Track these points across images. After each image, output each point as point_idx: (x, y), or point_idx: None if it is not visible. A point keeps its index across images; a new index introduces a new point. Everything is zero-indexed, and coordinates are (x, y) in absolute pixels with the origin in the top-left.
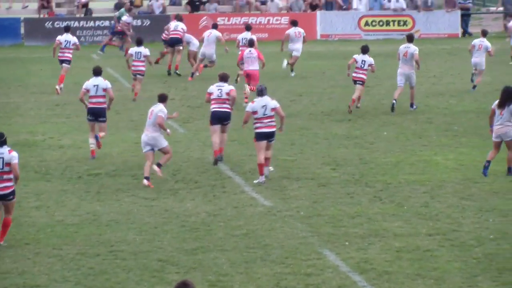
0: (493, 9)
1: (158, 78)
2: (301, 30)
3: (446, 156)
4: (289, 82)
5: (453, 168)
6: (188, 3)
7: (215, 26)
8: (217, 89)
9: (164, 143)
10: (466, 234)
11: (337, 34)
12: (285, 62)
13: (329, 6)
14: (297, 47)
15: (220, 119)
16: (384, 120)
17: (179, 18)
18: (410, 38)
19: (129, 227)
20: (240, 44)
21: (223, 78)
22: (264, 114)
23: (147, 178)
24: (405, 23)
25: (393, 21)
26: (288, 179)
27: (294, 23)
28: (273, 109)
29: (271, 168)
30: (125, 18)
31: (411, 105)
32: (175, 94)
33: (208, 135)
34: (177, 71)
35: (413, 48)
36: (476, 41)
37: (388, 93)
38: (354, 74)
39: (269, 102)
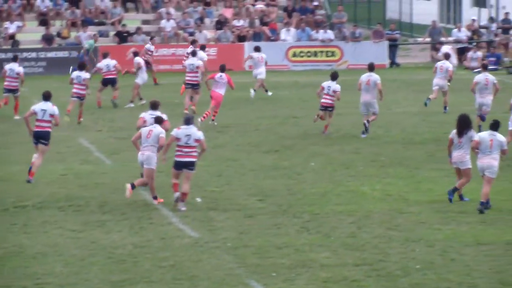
0: (420, 39)
1: (86, 109)
2: (264, 56)
3: (373, 186)
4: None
5: (379, 198)
6: (116, 35)
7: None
8: (150, 117)
9: (152, 165)
10: (392, 265)
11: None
12: (252, 92)
13: (257, 37)
14: (260, 71)
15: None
16: (311, 151)
17: (105, 55)
18: (371, 67)
19: (56, 259)
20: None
21: (154, 106)
22: (186, 143)
23: (155, 197)
24: (333, 54)
25: (321, 52)
26: (215, 210)
27: (257, 49)
28: (197, 140)
29: (198, 199)
30: (148, 46)
31: (366, 128)
32: (102, 126)
33: (136, 166)
34: (115, 101)
35: (375, 76)
36: (438, 63)
37: (316, 124)
38: (323, 100)
39: (194, 132)
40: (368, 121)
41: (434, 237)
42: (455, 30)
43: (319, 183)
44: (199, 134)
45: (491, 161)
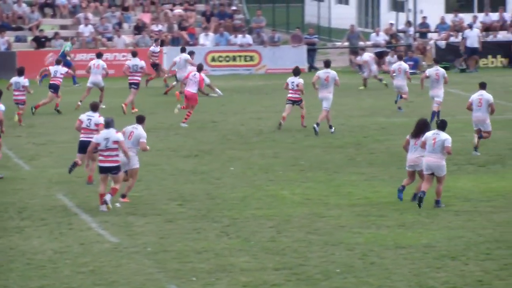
0: (339, 44)
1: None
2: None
3: (292, 190)
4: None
5: (299, 202)
6: (33, 40)
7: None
8: (86, 118)
9: (135, 165)
10: (312, 268)
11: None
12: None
13: (175, 42)
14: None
15: (85, 148)
16: (230, 155)
17: (58, 62)
18: (327, 64)
19: None
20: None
21: (94, 108)
22: (106, 147)
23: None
24: (251, 58)
25: (240, 56)
26: (135, 215)
27: (183, 50)
28: (115, 142)
29: (117, 204)
30: (152, 48)
31: (317, 124)
32: (21, 132)
33: (55, 172)
34: (57, 108)
35: (333, 73)
36: (396, 65)
37: (234, 128)
38: (289, 95)
39: (112, 135)
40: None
41: (354, 240)
42: (373, 35)
43: (238, 188)
44: (118, 136)
45: (437, 160)
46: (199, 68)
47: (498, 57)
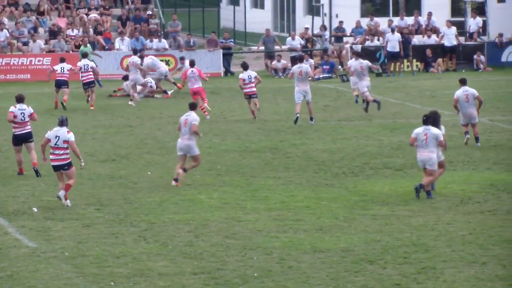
0: (254, 48)
1: None
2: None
3: (210, 195)
4: (52, 122)
5: (217, 206)
6: None
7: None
8: (19, 112)
9: (196, 151)
10: (230, 273)
11: (100, 74)
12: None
13: (92, 47)
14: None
15: (22, 140)
16: (148, 160)
17: (63, 59)
18: (300, 59)
19: None
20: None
21: (21, 100)
22: (56, 145)
23: (175, 179)
24: (167, 62)
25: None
26: (52, 220)
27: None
28: (65, 142)
29: (34, 209)
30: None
31: (311, 119)
32: None
33: None
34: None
35: (305, 66)
36: (356, 63)
37: (151, 132)
38: (246, 90)
39: (64, 133)
40: (299, 114)
41: (271, 244)
42: (289, 39)
43: (155, 192)
44: (69, 136)
45: (429, 154)
46: (192, 64)
47: (414, 61)
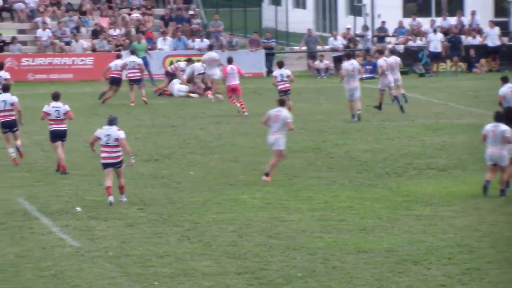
0: (296, 48)
1: None
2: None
3: (253, 195)
4: (95, 121)
5: (260, 207)
6: None
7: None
8: (54, 110)
9: (282, 146)
10: (274, 273)
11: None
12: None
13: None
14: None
15: (58, 136)
16: (190, 160)
17: (119, 56)
18: (348, 56)
19: None
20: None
21: (56, 98)
22: (107, 143)
23: (266, 174)
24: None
25: (198, 60)
26: (96, 219)
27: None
28: (116, 140)
29: (78, 209)
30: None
31: (353, 116)
32: None
33: (14, 176)
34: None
35: (357, 63)
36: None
37: (193, 132)
38: (280, 87)
39: (113, 132)
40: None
41: (315, 245)
42: (331, 39)
43: (199, 192)
44: (119, 133)
45: (499, 151)
46: (230, 61)
47: (448, 61)
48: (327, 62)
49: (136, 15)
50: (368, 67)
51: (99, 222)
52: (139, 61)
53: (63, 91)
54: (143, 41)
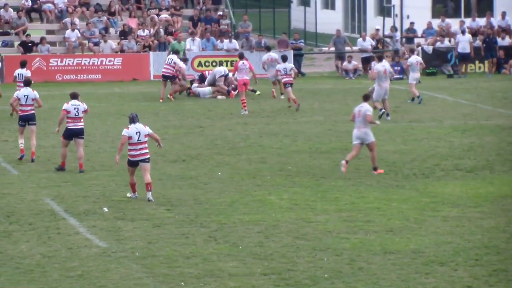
0: (325, 49)
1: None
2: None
3: (280, 195)
4: (123, 122)
5: (287, 207)
6: (20, 45)
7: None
8: (73, 108)
9: (372, 138)
10: (300, 274)
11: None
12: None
13: (162, 47)
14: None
15: (73, 135)
16: (218, 160)
17: (176, 52)
18: (380, 58)
19: None
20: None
21: (75, 96)
22: (138, 140)
23: (346, 161)
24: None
25: (226, 61)
26: (123, 220)
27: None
28: (146, 135)
29: (105, 209)
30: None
31: (387, 115)
32: (8, 136)
33: (42, 176)
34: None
35: (388, 65)
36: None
37: (221, 133)
38: (285, 79)
39: (142, 128)
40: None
41: (341, 246)
42: (359, 40)
43: (226, 193)
44: (147, 129)
45: None
46: (241, 56)
47: (486, 63)
48: (355, 63)
49: (165, 15)
50: (396, 68)
51: (126, 223)
52: (176, 59)
53: (91, 91)
54: (183, 42)
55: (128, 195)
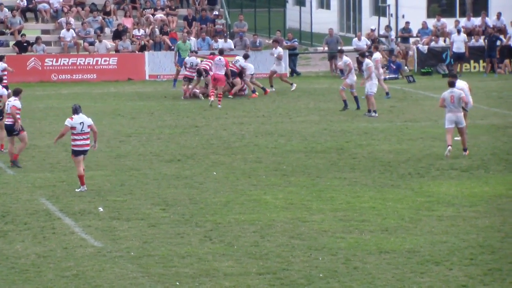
0: (320, 48)
1: None
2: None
3: (275, 195)
4: (118, 122)
5: (282, 207)
6: (15, 44)
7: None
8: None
9: (464, 123)
10: (296, 273)
11: (165, 74)
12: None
13: (157, 47)
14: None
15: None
16: (213, 160)
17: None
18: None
19: None
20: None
21: (17, 93)
22: (82, 130)
23: (450, 145)
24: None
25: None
26: (118, 220)
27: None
28: (89, 126)
29: (100, 209)
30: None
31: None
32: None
33: (37, 176)
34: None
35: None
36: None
37: (217, 133)
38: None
39: (85, 119)
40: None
41: (337, 245)
42: (355, 39)
43: (221, 192)
44: (90, 120)
45: None
46: (221, 52)
47: (481, 62)
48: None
49: (160, 15)
50: (392, 67)
51: (121, 223)
52: (197, 61)
53: (87, 91)
54: (188, 41)
55: (77, 190)
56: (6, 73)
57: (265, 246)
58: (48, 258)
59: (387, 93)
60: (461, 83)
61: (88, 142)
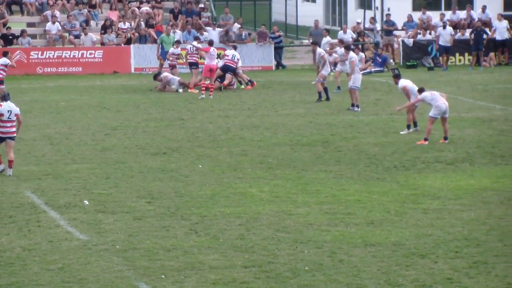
0: (306, 41)
1: None
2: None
3: (261, 188)
4: (103, 115)
5: (268, 200)
6: (1, 37)
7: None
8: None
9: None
10: (281, 266)
11: (151, 67)
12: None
13: (143, 40)
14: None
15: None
16: (199, 153)
17: (235, 47)
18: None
19: None
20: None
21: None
22: (9, 118)
23: (445, 138)
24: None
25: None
26: (104, 213)
27: (235, 47)
28: (16, 115)
29: (86, 202)
30: (172, 50)
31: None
32: None
33: (23, 169)
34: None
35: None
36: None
37: (202, 125)
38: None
39: (13, 107)
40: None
41: (322, 238)
42: (340, 32)
43: (207, 185)
44: (17, 109)
45: None
46: (211, 43)
47: (466, 55)
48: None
49: (146, 8)
50: (378, 58)
51: (107, 216)
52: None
53: (72, 84)
54: (172, 34)
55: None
56: (5, 68)
57: (250, 239)
58: (33, 251)
59: (338, 87)
60: (404, 82)
61: (14, 130)
